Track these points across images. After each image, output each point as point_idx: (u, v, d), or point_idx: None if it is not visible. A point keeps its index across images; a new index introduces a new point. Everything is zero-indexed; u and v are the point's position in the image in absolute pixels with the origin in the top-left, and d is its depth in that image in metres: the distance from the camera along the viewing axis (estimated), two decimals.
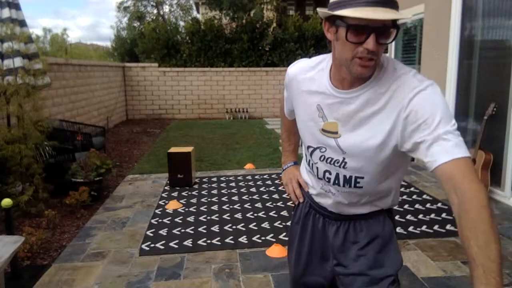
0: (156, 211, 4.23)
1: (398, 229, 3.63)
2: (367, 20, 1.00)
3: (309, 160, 1.34)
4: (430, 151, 1.02)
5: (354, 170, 1.21)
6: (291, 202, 1.71)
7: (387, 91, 1.12)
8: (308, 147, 1.31)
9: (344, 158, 1.21)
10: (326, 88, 1.22)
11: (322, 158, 1.27)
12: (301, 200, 1.38)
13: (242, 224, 3.82)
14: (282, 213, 4.09)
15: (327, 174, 1.27)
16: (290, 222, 1.56)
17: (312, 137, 1.28)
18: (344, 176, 1.24)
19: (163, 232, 3.68)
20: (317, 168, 1.30)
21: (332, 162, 1.24)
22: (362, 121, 1.16)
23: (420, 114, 1.05)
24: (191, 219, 3.99)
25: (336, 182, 1.26)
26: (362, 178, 1.22)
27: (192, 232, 3.68)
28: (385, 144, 1.14)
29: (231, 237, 3.55)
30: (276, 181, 5.23)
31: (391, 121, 1.11)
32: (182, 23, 18.17)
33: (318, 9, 1.15)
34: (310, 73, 1.28)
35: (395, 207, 1.44)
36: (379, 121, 1.13)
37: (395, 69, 1.14)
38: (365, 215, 1.32)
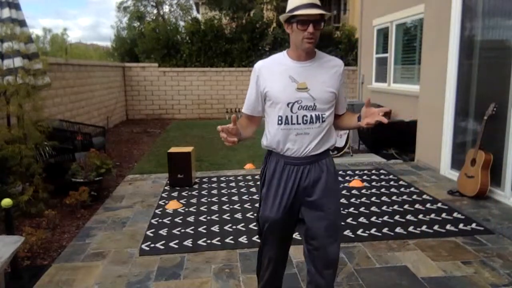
0: (156, 211, 4.23)
1: (398, 229, 3.63)
2: (307, 15, 1.82)
3: (287, 116, 1.95)
4: (342, 99, 2.09)
5: (320, 109, 1.95)
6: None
7: (327, 62, 2.01)
8: (288, 104, 1.93)
9: (314, 103, 1.94)
10: (290, 64, 1.97)
11: (299, 108, 1.94)
12: (229, 139, 1.85)
13: (242, 224, 3.82)
14: None
15: (305, 118, 1.94)
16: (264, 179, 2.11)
17: (291, 95, 1.93)
18: (316, 115, 1.95)
19: (163, 232, 3.68)
20: (297, 116, 1.95)
21: (307, 108, 1.94)
22: (321, 78, 1.96)
23: (343, 78, 2.04)
24: (191, 219, 3.99)
25: (311, 121, 1.95)
26: (324, 114, 1.97)
27: (192, 232, 3.68)
28: (334, 90, 1.98)
29: (231, 237, 3.55)
30: None
31: (335, 78, 1.99)
32: (182, 23, 18.17)
33: (280, 16, 1.94)
34: (274, 61, 2.01)
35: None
36: (330, 78, 1.98)
37: (321, 52, 2.04)
38: (322, 157, 2.02)
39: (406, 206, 4.23)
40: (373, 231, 3.62)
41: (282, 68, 1.95)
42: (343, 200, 4.45)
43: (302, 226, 2.06)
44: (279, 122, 1.96)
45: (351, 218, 3.92)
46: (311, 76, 1.94)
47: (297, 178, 1.99)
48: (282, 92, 1.93)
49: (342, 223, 3.78)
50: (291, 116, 1.94)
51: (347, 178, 5.32)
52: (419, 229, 3.65)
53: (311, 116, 1.93)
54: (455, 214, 3.98)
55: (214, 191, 4.87)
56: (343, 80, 2.02)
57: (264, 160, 2.12)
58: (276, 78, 1.95)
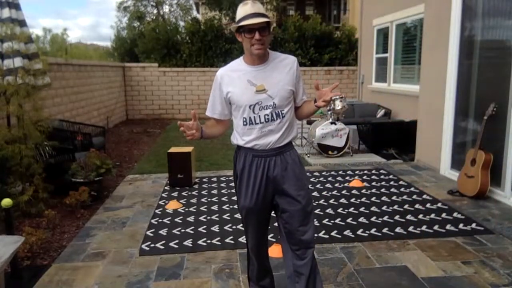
0: (156, 211, 4.23)
1: (398, 229, 3.63)
2: (252, 24, 1.98)
3: (250, 117, 2.12)
4: (300, 92, 2.24)
5: (279, 107, 2.12)
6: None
7: (281, 61, 2.16)
8: (250, 106, 2.11)
9: (274, 102, 2.10)
10: (247, 69, 2.13)
11: (260, 108, 2.11)
12: (188, 133, 2.06)
13: (242, 224, 3.81)
14: None
15: (266, 116, 2.11)
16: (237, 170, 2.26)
17: (251, 98, 2.10)
18: (276, 113, 2.12)
19: (163, 232, 3.68)
20: (259, 116, 2.12)
21: (267, 107, 2.11)
22: (276, 77, 2.12)
23: (298, 73, 2.19)
24: (191, 219, 3.99)
25: (273, 118, 2.12)
26: (283, 110, 2.14)
27: (192, 232, 3.68)
28: (291, 87, 2.15)
29: (231, 237, 3.55)
30: None
31: (290, 75, 2.15)
32: (182, 23, 18.16)
33: (231, 27, 2.16)
34: (232, 68, 2.18)
35: None
36: (285, 76, 2.14)
37: (274, 52, 2.19)
38: (286, 149, 2.19)
39: (406, 206, 4.23)
40: (373, 231, 3.62)
41: (240, 74, 2.13)
42: (343, 200, 4.45)
43: (277, 211, 2.26)
44: (244, 123, 2.15)
45: (351, 218, 3.92)
46: (267, 77, 2.11)
47: (265, 168, 2.16)
48: (243, 95, 2.11)
49: (342, 223, 3.79)
50: (254, 117, 2.12)
51: (347, 178, 5.32)
52: (419, 229, 3.65)
53: (271, 114, 2.12)
54: (455, 214, 3.98)
55: (214, 191, 4.87)
56: (298, 74, 2.19)
57: (234, 154, 2.29)
58: (236, 84, 2.13)
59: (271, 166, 2.15)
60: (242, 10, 2.04)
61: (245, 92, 2.10)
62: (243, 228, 3.68)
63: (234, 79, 2.14)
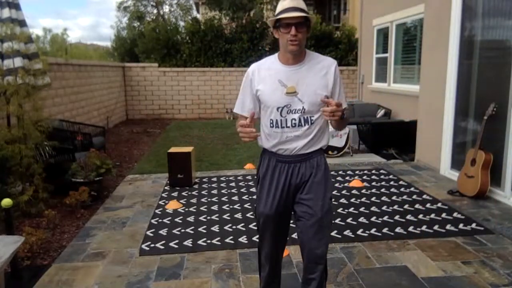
0: (156, 211, 4.23)
1: (398, 229, 3.63)
2: (289, 18, 1.89)
3: (277, 120, 2.03)
4: (336, 99, 2.01)
5: (309, 112, 2.01)
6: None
7: (317, 63, 2.02)
8: (278, 108, 2.01)
9: (303, 106, 1.99)
10: (280, 68, 2.03)
11: (288, 112, 2.01)
12: (252, 135, 1.94)
13: (242, 224, 3.81)
14: None
15: (293, 121, 2.02)
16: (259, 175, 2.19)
17: (280, 100, 2.00)
18: (304, 118, 2.02)
19: (163, 232, 3.68)
20: (286, 120, 2.02)
21: (296, 111, 2.00)
22: (310, 81, 1.99)
23: (336, 77, 2.03)
24: (191, 219, 3.99)
25: (300, 123, 2.02)
26: (313, 116, 2.02)
27: (192, 232, 3.68)
28: (325, 93, 1.99)
29: (231, 237, 3.55)
30: None
31: (326, 79, 2.01)
32: (182, 23, 18.16)
33: (268, 20, 2.03)
34: (265, 65, 2.08)
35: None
36: (319, 80, 2.00)
37: (312, 53, 2.05)
38: (313, 155, 2.08)
39: (406, 206, 4.23)
40: (373, 231, 3.62)
41: (272, 72, 2.03)
42: (343, 200, 4.45)
43: (295, 219, 2.16)
44: (271, 125, 2.06)
45: (351, 218, 3.92)
46: (300, 79, 1.99)
47: (288, 175, 2.07)
48: (272, 96, 2.02)
49: (342, 223, 3.79)
50: (281, 120, 2.03)
51: (347, 178, 5.32)
52: (419, 229, 3.65)
53: (299, 119, 2.01)
54: (455, 214, 3.98)
55: (214, 191, 4.87)
56: (335, 79, 2.03)
57: (259, 158, 2.20)
58: (267, 82, 2.03)
59: (295, 173, 2.06)
60: (280, 5, 1.94)
61: (275, 92, 2.00)
62: (243, 228, 3.71)
63: (265, 77, 2.04)
